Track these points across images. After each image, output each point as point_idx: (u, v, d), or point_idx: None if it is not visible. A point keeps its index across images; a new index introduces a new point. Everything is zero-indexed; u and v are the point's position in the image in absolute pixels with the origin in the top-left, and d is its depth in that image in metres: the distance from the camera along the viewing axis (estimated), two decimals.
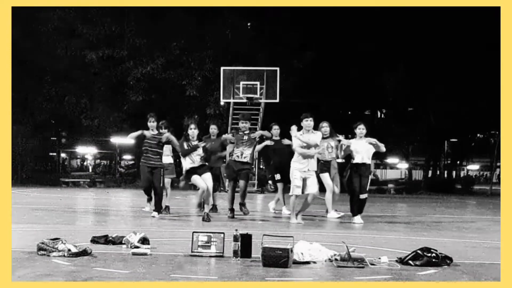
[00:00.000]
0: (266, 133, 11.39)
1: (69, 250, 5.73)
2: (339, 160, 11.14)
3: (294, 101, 24.82)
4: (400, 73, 26.28)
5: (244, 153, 10.71)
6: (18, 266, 5.14)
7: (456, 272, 5.36)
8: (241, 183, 10.77)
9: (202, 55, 24.65)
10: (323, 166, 10.88)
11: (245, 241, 5.82)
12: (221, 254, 5.92)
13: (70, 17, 24.69)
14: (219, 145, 11.49)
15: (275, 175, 11.80)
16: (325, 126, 11.00)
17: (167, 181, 11.52)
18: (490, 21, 17.35)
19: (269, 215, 11.50)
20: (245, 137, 10.80)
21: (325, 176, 10.87)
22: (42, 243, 5.84)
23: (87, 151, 49.34)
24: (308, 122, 9.80)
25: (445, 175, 34.52)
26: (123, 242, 6.51)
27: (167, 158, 11.50)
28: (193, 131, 10.03)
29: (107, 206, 13.43)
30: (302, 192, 9.71)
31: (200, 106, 24.92)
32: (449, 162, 36.98)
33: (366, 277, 5.06)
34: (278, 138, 11.78)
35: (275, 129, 11.82)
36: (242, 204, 10.96)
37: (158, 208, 10.52)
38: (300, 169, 9.70)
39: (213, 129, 11.71)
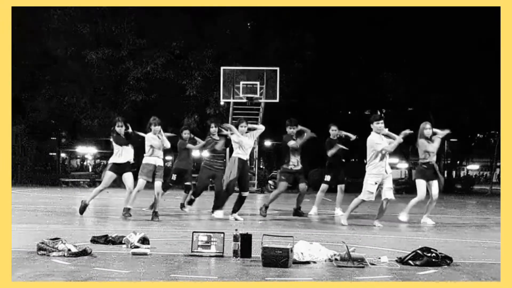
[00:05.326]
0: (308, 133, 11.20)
1: (69, 250, 5.73)
2: None
3: (294, 101, 24.85)
4: (399, 73, 26.29)
5: (299, 161, 10.99)
6: (18, 266, 5.14)
7: (456, 272, 5.36)
8: (304, 186, 11.06)
9: (202, 55, 24.65)
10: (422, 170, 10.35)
11: (245, 241, 5.82)
12: (221, 254, 5.92)
13: (70, 17, 24.70)
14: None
15: (326, 176, 11.73)
16: (428, 128, 10.27)
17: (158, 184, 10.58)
18: (490, 21, 17.36)
19: (269, 215, 11.45)
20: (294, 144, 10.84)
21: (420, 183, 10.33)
22: (42, 243, 5.84)
23: (87, 151, 49.34)
24: (379, 125, 9.60)
25: (445, 175, 34.49)
26: (123, 242, 6.51)
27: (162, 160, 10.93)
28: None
29: (107, 206, 13.42)
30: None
31: (200, 106, 24.94)
32: (449, 162, 36.95)
33: (366, 277, 5.06)
34: (335, 138, 11.69)
35: (333, 130, 11.65)
36: (299, 209, 11.22)
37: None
38: (376, 174, 9.48)
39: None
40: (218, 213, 10.39)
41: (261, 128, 10.55)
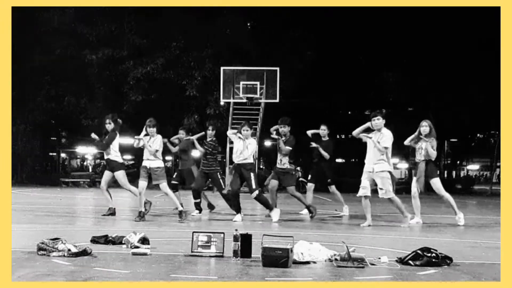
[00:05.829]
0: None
1: (69, 250, 5.73)
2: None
3: (294, 101, 24.83)
4: (399, 73, 26.31)
5: (282, 160, 10.84)
6: (18, 266, 5.14)
7: (456, 272, 5.36)
8: (291, 189, 10.91)
9: (202, 55, 24.65)
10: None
11: (245, 241, 5.82)
12: (221, 254, 5.92)
13: (70, 17, 24.70)
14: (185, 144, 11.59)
15: (309, 176, 12.05)
16: (425, 126, 10.19)
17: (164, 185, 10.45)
18: (490, 21, 17.35)
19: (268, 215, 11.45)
20: (281, 144, 10.81)
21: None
22: (42, 243, 5.84)
23: (87, 151, 49.29)
24: (375, 122, 9.66)
25: (445, 175, 34.49)
26: (123, 242, 6.51)
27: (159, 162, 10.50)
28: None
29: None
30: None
31: (200, 106, 24.94)
32: (449, 162, 36.97)
33: (366, 277, 5.06)
34: (327, 138, 11.78)
35: (323, 130, 11.72)
36: (308, 207, 11.18)
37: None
38: (366, 170, 9.56)
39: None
40: (237, 217, 10.02)
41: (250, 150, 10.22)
